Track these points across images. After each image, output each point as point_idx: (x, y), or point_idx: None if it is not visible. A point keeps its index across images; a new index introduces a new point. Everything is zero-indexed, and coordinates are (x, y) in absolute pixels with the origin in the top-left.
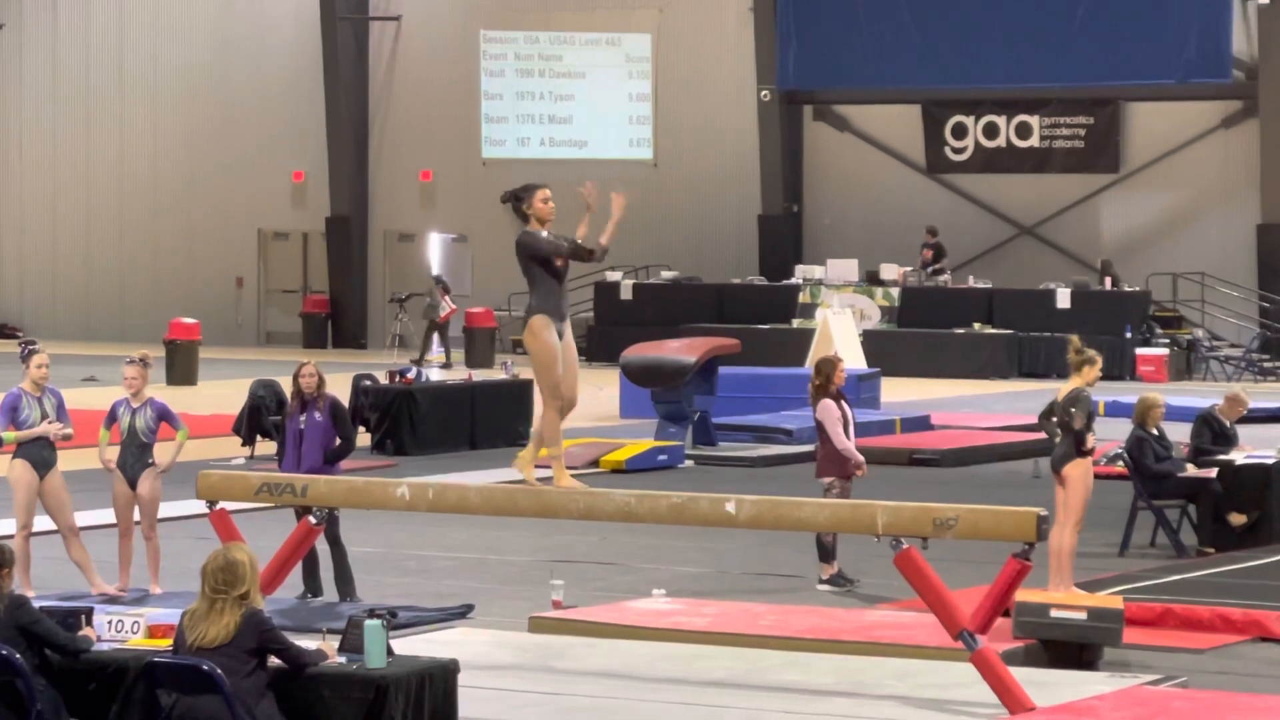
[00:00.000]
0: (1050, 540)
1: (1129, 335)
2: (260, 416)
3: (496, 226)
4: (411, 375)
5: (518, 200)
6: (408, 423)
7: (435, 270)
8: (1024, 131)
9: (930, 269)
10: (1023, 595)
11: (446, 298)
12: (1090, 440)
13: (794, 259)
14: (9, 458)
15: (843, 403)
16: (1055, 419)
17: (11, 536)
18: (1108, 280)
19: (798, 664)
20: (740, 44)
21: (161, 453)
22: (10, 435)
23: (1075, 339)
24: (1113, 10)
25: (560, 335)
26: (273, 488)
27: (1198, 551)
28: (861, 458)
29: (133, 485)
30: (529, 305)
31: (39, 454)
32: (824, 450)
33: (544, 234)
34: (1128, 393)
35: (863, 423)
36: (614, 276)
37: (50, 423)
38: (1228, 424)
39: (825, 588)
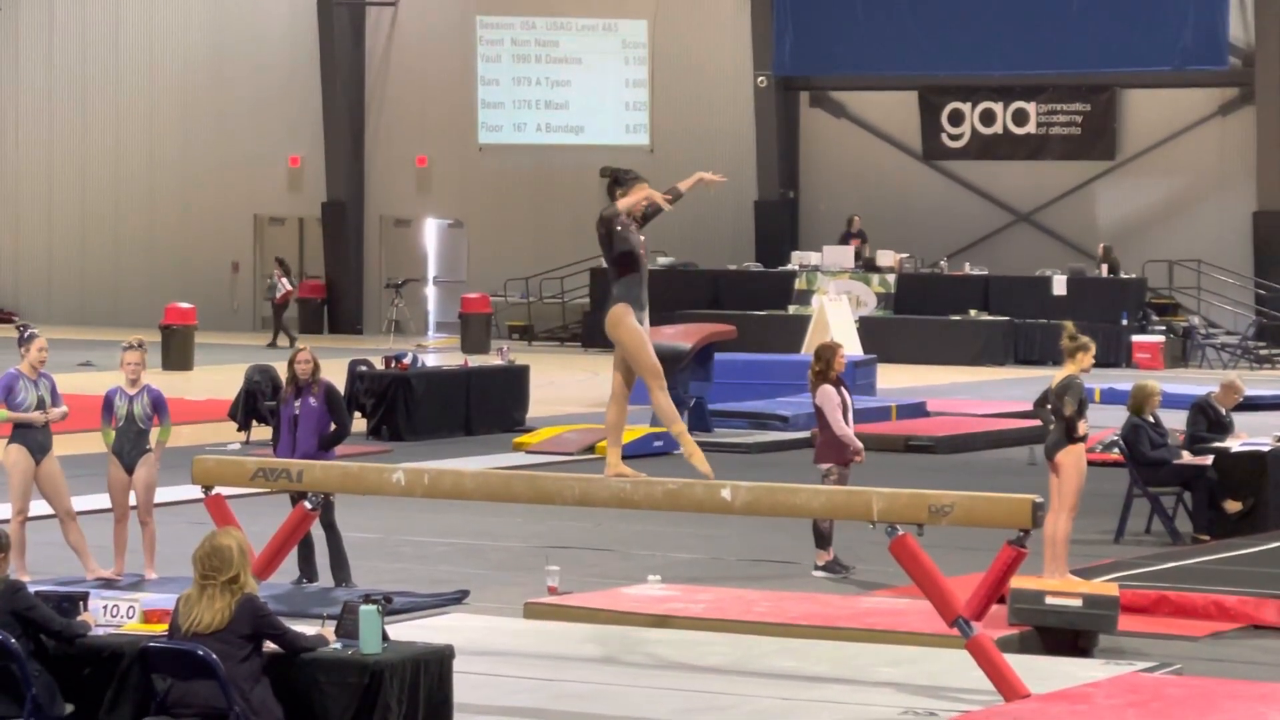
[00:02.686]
0: (1045, 527)
1: (1125, 322)
2: (256, 402)
3: (492, 212)
4: (407, 361)
5: (616, 183)
6: (403, 408)
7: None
8: (1020, 118)
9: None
10: (1018, 582)
11: (284, 279)
12: (1082, 427)
13: (790, 245)
14: (3, 442)
15: (842, 389)
16: (1049, 406)
17: (8, 521)
18: (1104, 267)
19: (793, 650)
20: (736, 30)
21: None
22: (3, 414)
23: (1069, 325)
24: None
25: (640, 324)
26: (268, 473)
27: (1193, 539)
28: (860, 444)
29: (129, 470)
30: (612, 294)
31: (34, 439)
32: (823, 436)
33: (628, 225)
34: (1124, 380)
35: (859, 409)
36: None
37: (48, 410)
38: (1223, 411)
39: (821, 574)
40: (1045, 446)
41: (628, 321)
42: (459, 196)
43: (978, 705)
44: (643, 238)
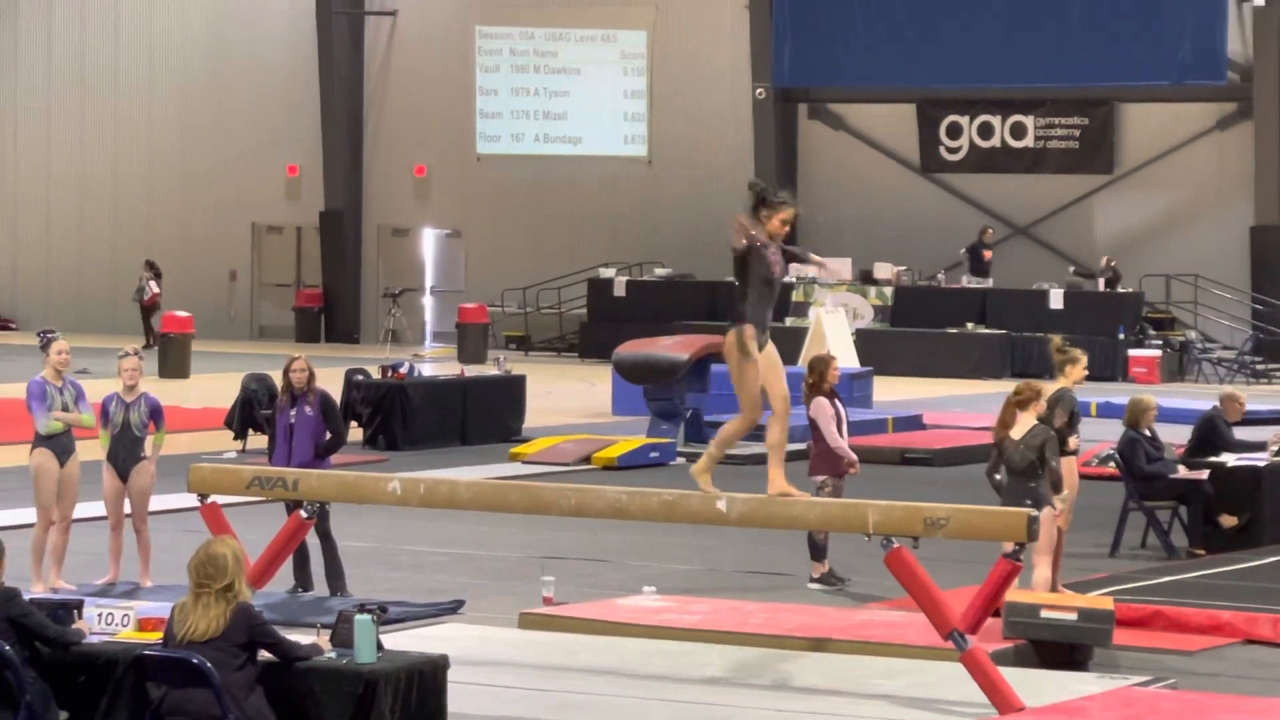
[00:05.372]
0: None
1: (1122, 336)
2: (252, 410)
3: (490, 222)
4: (404, 370)
5: (763, 203)
6: (400, 418)
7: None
8: (1019, 132)
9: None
10: (1013, 595)
11: (152, 281)
12: (1074, 441)
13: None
14: (29, 446)
15: (836, 401)
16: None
17: (24, 526)
18: (1101, 281)
19: (787, 662)
20: (736, 41)
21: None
22: (58, 425)
23: (1056, 339)
24: (1108, 11)
25: (761, 346)
26: (264, 481)
27: (1188, 553)
28: (854, 456)
29: (124, 478)
30: (739, 312)
31: (60, 442)
32: (817, 448)
33: (768, 247)
34: (1120, 394)
35: (855, 422)
36: (607, 273)
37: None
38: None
39: (816, 586)
40: None
41: (744, 348)
42: (457, 206)
43: (972, 718)
44: (775, 261)
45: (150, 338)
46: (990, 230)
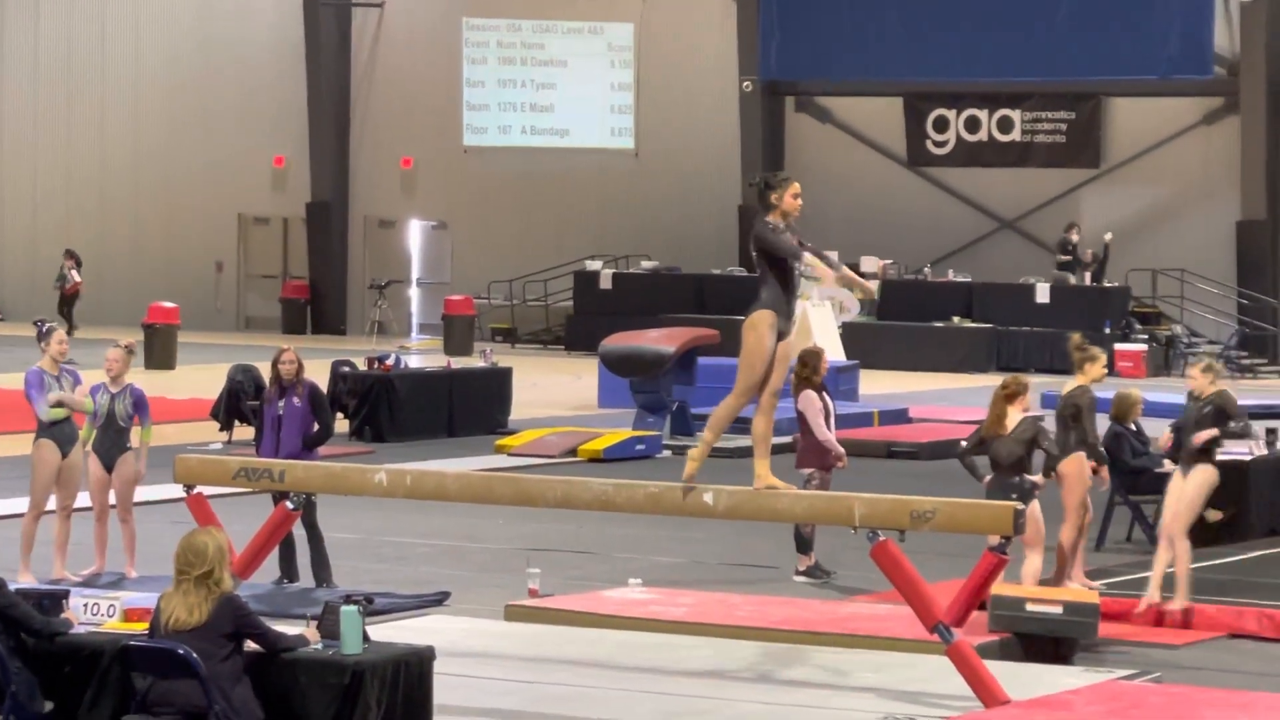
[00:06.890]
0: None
1: (1108, 331)
2: (238, 401)
3: (477, 214)
4: (390, 362)
5: (767, 187)
6: (386, 409)
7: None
8: (1005, 125)
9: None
10: (999, 589)
11: (74, 270)
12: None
13: None
14: (33, 436)
15: (824, 394)
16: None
17: (17, 516)
18: (1087, 275)
19: (773, 655)
20: (723, 34)
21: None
22: (59, 411)
23: (1076, 336)
24: (1096, 5)
25: (783, 335)
26: (250, 472)
27: None
28: (842, 449)
29: (109, 468)
30: (759, 298)
31: (64, 431)
32: (805, 441)
33: (784, 231)
34: (1106, 388)
35: (841, 415)
36: (594, 266)
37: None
38: None
39: (802, 579)
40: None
41: (762, 330)
42: (443, 198)
43: (957, 711)
44: (798, 247)
45: (70, 326)
46: (1076, 226)
